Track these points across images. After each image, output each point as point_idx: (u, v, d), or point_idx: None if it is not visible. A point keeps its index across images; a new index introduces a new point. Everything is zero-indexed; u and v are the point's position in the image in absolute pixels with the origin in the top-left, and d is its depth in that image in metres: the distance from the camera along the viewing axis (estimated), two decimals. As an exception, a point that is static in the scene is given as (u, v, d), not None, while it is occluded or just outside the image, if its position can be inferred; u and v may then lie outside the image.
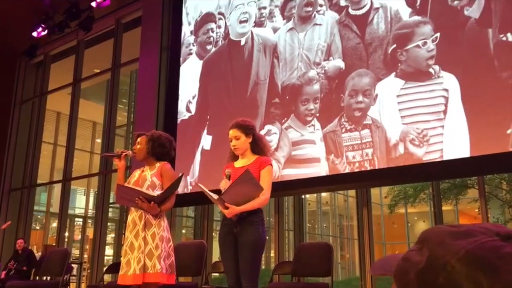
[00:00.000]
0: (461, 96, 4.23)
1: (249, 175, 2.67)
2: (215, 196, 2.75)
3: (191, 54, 6.61)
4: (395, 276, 0.49)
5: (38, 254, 8.15)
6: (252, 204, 2.74)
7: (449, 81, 4.31)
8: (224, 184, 2.79)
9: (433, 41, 4.48)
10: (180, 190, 5.58)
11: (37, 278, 6.29)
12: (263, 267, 12.25)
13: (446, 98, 4.30)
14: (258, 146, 2.94)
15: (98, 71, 8.73)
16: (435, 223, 5.20)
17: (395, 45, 4.70)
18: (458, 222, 13.58)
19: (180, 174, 3.05)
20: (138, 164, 3.38)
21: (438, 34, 4.46)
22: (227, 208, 2.73)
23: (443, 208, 6.28)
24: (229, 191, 2.71)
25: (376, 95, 4.73)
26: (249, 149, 2.93)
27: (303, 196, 7.36)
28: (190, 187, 5.98)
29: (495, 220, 11.26)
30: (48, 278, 6.14)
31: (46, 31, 8.25)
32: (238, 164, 2.94)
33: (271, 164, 2.90)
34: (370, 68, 4.83)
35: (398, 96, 4.58)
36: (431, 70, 4.43)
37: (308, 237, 14.42)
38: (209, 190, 2.80)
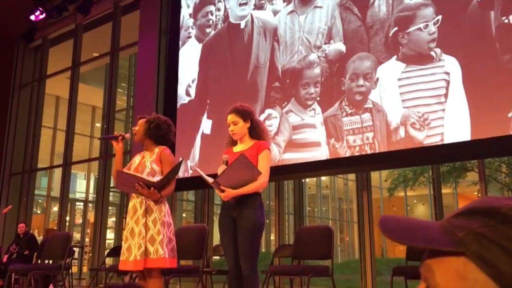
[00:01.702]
0: (462, 80, 4.20)
1: (244, 159, 2.66)
2: (210, 180, 2.74)
3: (190, 37, 6.55)
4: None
5: (39, 238, 8.21)
6: (249, 188, 2.73)
7: (451, 64, 4.28)
8: (221, 170, 2.79)
9: (434, 23, 4.43)
10: (180, 174, 5.58)
11: (39, 261, 6.34)
12: (264, 250, 12.33)
13: (447, 82, 4.27)
14: (256, 131, 2.92)
15: (97, 55, 8.67)
16: (434, 206, 5.22)
17: (396, 28, 4.66)
18: (458, 205, 13.63)
19: (180, 160, 3.04)
20: (138, 149, 3.38)
21: (439, 17, 4.41)
22: (223, 191, 2.73)
23: (443, 191, 6.29)
24: (224, 175, 2.71)
25: (377, 78, 4.70)
26: (247, 134, 2.92)
27: (303, 180, 7.38)
28: (190, 171, 5.99)
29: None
30: (50, 261, 6.19)
31: (44, 15, 8.16)
32: (237, 149, 2.92)
33: (269, 148, 2.89)
34: (371, 51, 4.79)
35: (399, 79, 4.55)
36: (432, 53, 4.39)
37: (308, 221, 14.51)
38: (209, 175, 2.80)
